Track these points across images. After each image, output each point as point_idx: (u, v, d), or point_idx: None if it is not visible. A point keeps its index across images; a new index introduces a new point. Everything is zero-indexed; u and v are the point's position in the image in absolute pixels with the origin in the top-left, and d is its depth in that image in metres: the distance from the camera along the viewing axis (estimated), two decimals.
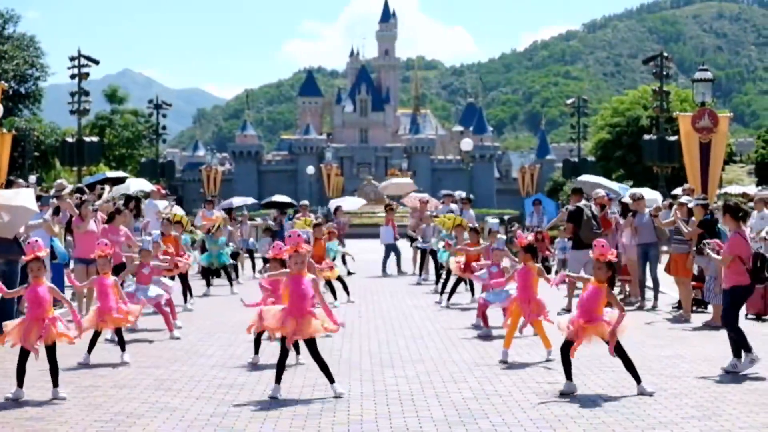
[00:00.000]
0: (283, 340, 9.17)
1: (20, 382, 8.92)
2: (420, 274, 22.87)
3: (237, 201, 30.95)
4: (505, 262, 14.50)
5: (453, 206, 24.67)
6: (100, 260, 11.18)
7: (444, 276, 18.51)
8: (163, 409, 8.48)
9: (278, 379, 9.06)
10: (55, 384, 8.98)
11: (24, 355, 8.98)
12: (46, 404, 8.67)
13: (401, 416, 8.21)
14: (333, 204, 30.93)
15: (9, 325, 9.29)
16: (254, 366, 10.73)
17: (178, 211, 20.83)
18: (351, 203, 34.44)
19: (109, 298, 10.96)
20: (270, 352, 11.01)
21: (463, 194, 30.47)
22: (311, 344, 9.07)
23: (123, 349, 11.09)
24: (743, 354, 10.18)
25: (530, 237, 12.32)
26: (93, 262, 15.05)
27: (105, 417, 8.17)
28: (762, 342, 11.90)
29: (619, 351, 9.01)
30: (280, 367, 9.10)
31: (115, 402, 8.79)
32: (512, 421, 8.00)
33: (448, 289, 17.53)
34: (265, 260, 22.82)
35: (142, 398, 8.97)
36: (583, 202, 17.29)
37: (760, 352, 10.34)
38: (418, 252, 23.64)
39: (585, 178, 23.83)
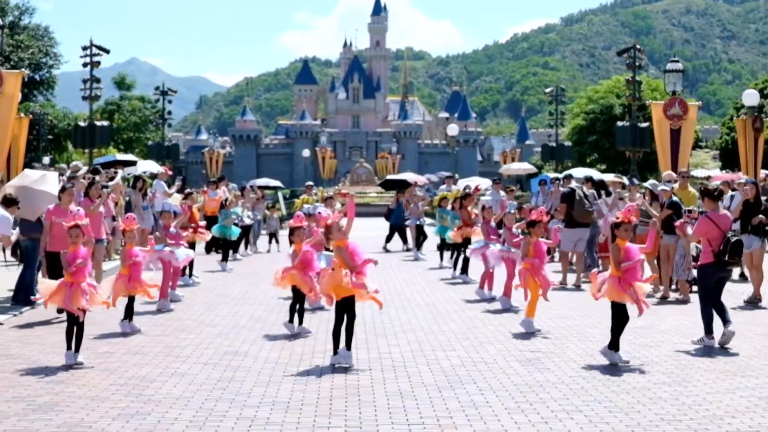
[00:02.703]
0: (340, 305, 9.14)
1: (74, 346, 8.90)
2: (419, 250, 22.92)
3: (260, 182, 33.06)
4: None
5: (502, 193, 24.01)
6: (128, 234, 11.13)
7: (452, 253, 18.49)
8: (173, 374, 8.51)
9: (348, 345, 9.05)
10: (77, 349, 8.94)
11: (73, 319, 8.94)
12: (65, 369, 8.69)
13: (395, 382, 8.26)
14: (462, 183, 29.25)
15: (46, 285, 9.28)
16: (267, 335, 10.76)
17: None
18: (484, 184, 30.09)
19: (139, 267, 10.95)
20: (272, 321, 11.00)
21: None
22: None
23: (130, 319, 11.04)
24: (705, 334, 10.04)
25: (536, 215, 11.84)
26: (100, 241, 15.05)
27: (120, 381, 8.20)
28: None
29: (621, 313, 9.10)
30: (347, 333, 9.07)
31: (128, 367, 8.82)
32: (497, 385, 8.06)
33: (460, 264, 17.67)
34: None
35: (153, 364, 9.00)
36: (574, 183, 17.83)
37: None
38: (413, 229, 23.66)
39: (573, 171, 24.79)
